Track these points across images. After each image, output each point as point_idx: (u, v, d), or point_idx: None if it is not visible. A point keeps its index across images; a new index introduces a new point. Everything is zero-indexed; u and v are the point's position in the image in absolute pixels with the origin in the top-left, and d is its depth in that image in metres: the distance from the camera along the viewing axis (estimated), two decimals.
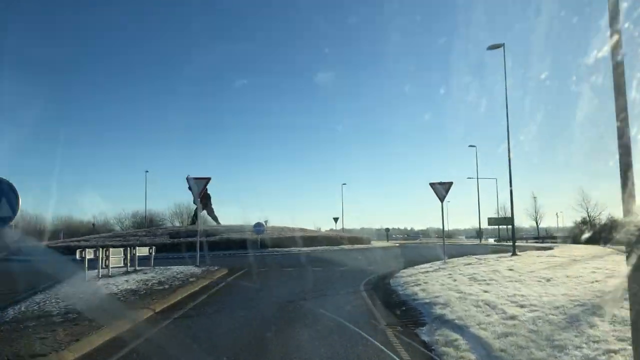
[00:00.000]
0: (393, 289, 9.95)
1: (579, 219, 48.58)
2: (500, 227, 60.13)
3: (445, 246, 16.59)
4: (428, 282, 9.99)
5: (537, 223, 59.61)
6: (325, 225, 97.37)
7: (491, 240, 74.64)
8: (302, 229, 35.91)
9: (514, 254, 17.49)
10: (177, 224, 55.36)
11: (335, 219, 58.96)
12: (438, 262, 15.61)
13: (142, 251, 14.08)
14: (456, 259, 16.62)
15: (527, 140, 37.32)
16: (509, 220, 69.57)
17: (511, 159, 17.66)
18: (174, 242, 27.73)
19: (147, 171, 56.36)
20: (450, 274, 11.51)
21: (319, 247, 28.76)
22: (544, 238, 52.42)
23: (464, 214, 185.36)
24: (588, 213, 45.36)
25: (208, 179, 14.86)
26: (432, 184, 14.96)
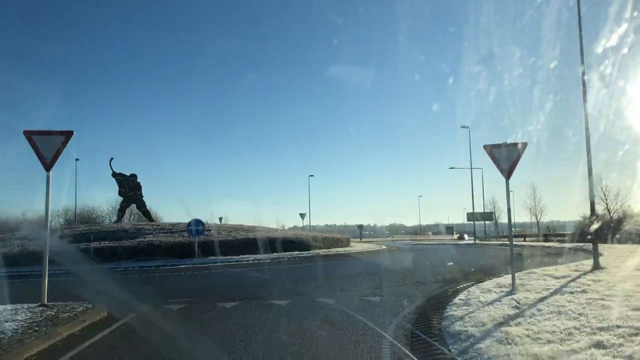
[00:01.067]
0: None
1: (588, 213, 44.58)
2: (476, 223, 56.09)
3: (450, 250, 10.68)
4: None
5: (537, 218, 55.66)
6: (289, 222, 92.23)
7: (466, 237, 71.32)
8: (259, 227, 29.34)
9: (597, 266, 11.79)
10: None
11: (302, 215, 52.98)
12: (489, 283, 9.67)
13: None
14: (518, 276, 10.70)
15: (536, 130, 33.38)
16: (491, 216, 66.08)
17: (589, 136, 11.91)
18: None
19: (77, 159, 49.64)
20: (591, 330, 5.52)
21: (284, 254, 22.41)
22: (547, 235, 48.11)
23: (433, 209, 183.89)
24: (607, 204, 41.26)
25: (67, 134, 8.23)
26: (487, 147, 8.94)
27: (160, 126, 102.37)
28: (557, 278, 10.26)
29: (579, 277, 10.26)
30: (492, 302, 7.67)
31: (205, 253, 20.56)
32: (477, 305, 7.51)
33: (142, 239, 21.47)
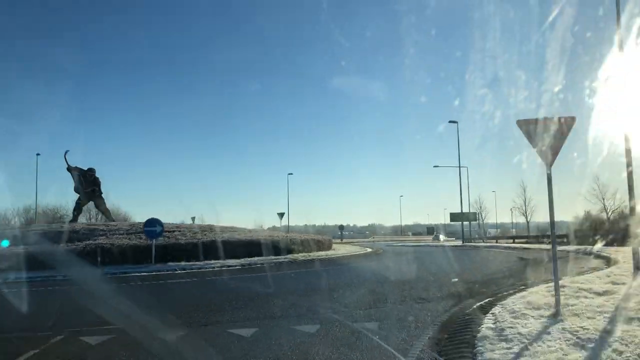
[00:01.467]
0: None
1: (581, 213, 43.57)
2: (462, 224, 54.97)
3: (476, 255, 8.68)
4: None
5: (527, 218, 54.70)
6: (268, 222, 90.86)
7: (441, 238, 70.44)
8: (231, 228, 26.89)
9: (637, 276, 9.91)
10: (82, 220, 46.17)
11: (281, 215, 50.88)
12: (516, 302, 7.63)
13: None
14: (545, 289, 8.70)
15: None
16: (475, 216, 64.89)
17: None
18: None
19: (38, 154, 47.34)
20: None
21: (257, 259, 20.12)
22: (537, 237, 46.91)
23: (413, 209, 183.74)
24: (604, 204, 40.22)
25: None
26: (522, 123, 6.89)
27: (149, 125, 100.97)
28: (599, 294, 8.28)
29: (628, 292, 8.31)
30: (538, 336, 5.59)
31: (164, 258, 18.13)
32: (519, 341, 5.42)
33: (92, 242, 18.85)
